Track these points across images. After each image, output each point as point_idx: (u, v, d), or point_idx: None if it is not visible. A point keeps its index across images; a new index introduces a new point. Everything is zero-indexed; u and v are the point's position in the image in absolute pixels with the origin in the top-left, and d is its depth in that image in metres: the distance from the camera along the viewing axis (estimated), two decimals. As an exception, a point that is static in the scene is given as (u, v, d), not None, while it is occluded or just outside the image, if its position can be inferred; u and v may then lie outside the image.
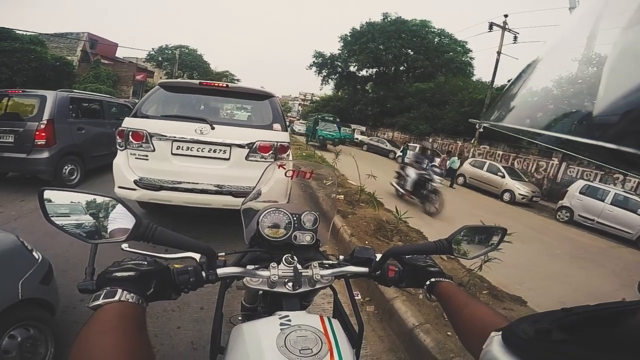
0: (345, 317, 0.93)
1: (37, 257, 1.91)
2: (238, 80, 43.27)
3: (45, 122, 4.80)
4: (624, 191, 10.38)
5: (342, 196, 5.24)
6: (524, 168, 16.06)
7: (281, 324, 0.67)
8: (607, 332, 0.43)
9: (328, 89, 39.81)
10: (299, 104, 69.42)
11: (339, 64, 35.31)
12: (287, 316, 0.71)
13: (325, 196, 1.13)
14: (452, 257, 0.86)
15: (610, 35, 0.31)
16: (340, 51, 34.10)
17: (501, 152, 17.63)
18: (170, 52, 36.87)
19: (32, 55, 16.27)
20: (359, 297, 2.69)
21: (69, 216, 0.64)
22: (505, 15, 18.14)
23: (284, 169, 1.13)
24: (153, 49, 37.35)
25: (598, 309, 0.44)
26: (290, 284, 0.81)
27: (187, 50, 37.48)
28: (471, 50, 30.62)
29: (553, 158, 14.98)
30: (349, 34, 32.49)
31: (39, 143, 4.72)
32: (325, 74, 36.10)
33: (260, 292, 0.96)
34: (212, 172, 3.30)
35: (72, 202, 0.65)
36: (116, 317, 0.52)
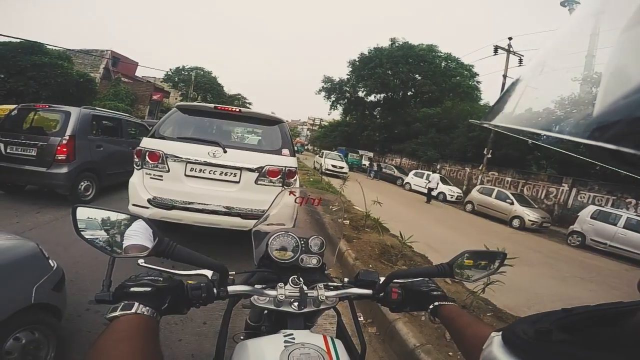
0: (348, 337, 0.95)
1: (52, 265, 1.99)
2: (250, 103, 44.39)
3: (67, 137, 4.91)
4: (637, 214, 10.22)
5: (348, 221, 5.27)
6: (534, 194, 15.87)
7: (285, 342, 0.69)
8: (607, 332, 0.43)
9: (336, 114, 40.47)
10: (308, 129, 70.47)
11: (348, 89, 35.91)
12: (292, 334, 0.73)
13: (332, 221, 1.16)
14: (455, 280, 0.91)
15: (608, 36, 0.31)
16: (348, 76, 34.75)
17: (510, 179, 17.48)
18: (186, 73, 38.05)
19: (59, 71, 16.69)
20: (361, 318, 2.69)
21: (96, 231, 0.68)
22: (510, 38, 18.42)
23: (294, 195, 1.18)
24: (170, 69, 38.61)
25: (598, 309, 0.45)
26: (295, 303, 0.84)
27: (202, 73, 38.69)
28: (478, 74, 30.91)
29: (563, 184, 14.82)
30: (357, 59, 33.19)
31: (59, 158, 4.83)
32: (334, 99, 36.67)
33: (266, 311, 1.01)
34: (222, 194, 3.38)
35: (100, 218, 0.69)
36: (132, 328, 0.55)
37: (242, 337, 1.05)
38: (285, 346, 0.67)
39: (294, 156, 3.66)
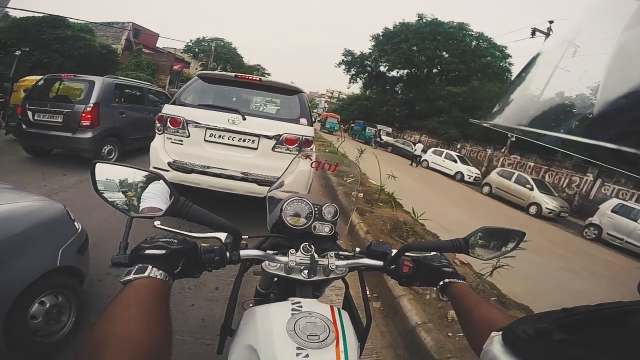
0: (354, 309, 0.93)
1: (77, 227, 1.99)
2: (269, 74, 43.79)
3: (91, 105, 5.15)
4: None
5: (362, 194, 5.29)
6: (556, 182, 15.35)
7: (292, 309, 0.69)
8: (607, 332, 0.42)
9: (356, 88, 39.48)
10: (326, 101, 69.26)
11: (369, 63, 34.91)
12: (299, 302, 0.72)
13: (345, 193, 1.15)
14: (468, 256, 0.89)
15: (610, 35, 0.30)
16: (371, 50, 33.68)
17: (532, 164, 16.90)
18: (206, 44, 37.86)
19: (82, 43, 16.96)
20: (367, 292, 2.76)
21: (114, 190, 0.67)
22: (551, 22, 17.10)
23: (310, 159, 1.17)
24: (191, 40, 38.44)
25: (598, 309, 0.44)
26: (305, 271, 0.84)
27: (222, 43, 38.32)
28: (510, 56, 29.26)
29: (588, 174, 14.22)
30: (381, 34, 32.09)
31: (84, 124, 5.08)
32: (354, 72, 35.88)
33: (276, 278, 1.00)
34: (240, 160, 3.47)
35: (119, 177, 0.67)
36: (143, 291, 0.55)
37: (251, 304, 1.06)
38: (292, 314, 0.67)
39: (312, 126, 3.71)
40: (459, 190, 14.03)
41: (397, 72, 33.44)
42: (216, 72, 4.87)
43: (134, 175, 0.68)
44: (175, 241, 0.69)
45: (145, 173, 0.68)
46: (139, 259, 0.63)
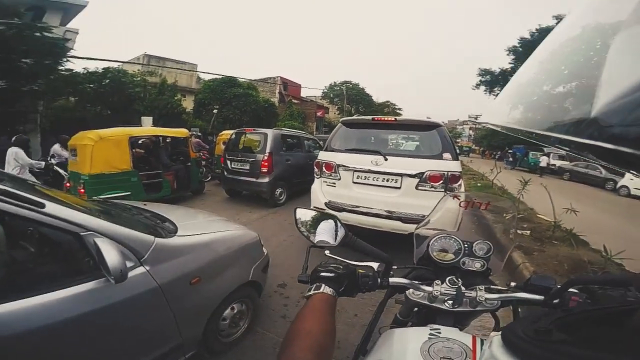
0: None
1: (264, 252, 2.44)
2: (399, 109, 43.57)
3: (267, 154, 6.08)
4: None
5: (529, 232, 4.61)
6: None
7: (430, 334, 0.70)
8: (606, 332, 0.42)
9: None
10: (470, 128, 62.66)
11: (513, 78, 30.53)
12: (439, 329, 0.72)
13: (502, 230, 1.05)
14: None
15: (609, 34, 0.30)
16: (512, 65, 29.66)
17: None
18: (338, 88, 41.09)
19: (251, 99, 18.91)
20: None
21: (306, 225, 0.90)
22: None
23: (458, 199, 1.19)
24: (325, 86, 42.22)
25: (597, 308, 0.44)
26: (450, 301, 0.84)
27: (351, 85, 40.82)
28: None
29: None
30: (518, 45, 28.30)
31: (263, 170, 6.05)
32: (498, 92, 32.00)
33: (416, 308, 1.03)
34: (384, 199, 3.62)
35: (309, 216, 0.90)
36: (321, 303, 0.70)
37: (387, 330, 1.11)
38: (429, 337, 0.68)
39: (457, 160, 3.56)
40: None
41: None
42: (355, 117, 5.08)
43: (318, 216, 0.91)
44: (341, 267, 0.81)
45: (327, 214, 0.90)
46: (316, 279, 0.78)
